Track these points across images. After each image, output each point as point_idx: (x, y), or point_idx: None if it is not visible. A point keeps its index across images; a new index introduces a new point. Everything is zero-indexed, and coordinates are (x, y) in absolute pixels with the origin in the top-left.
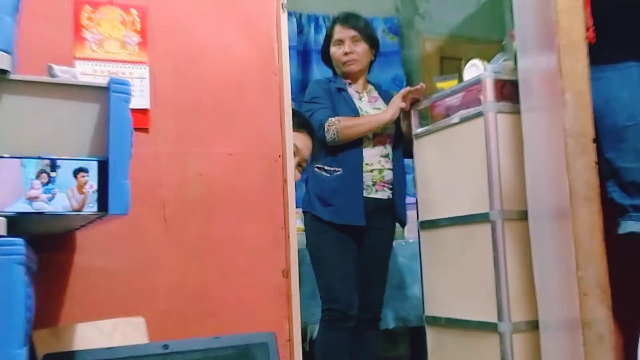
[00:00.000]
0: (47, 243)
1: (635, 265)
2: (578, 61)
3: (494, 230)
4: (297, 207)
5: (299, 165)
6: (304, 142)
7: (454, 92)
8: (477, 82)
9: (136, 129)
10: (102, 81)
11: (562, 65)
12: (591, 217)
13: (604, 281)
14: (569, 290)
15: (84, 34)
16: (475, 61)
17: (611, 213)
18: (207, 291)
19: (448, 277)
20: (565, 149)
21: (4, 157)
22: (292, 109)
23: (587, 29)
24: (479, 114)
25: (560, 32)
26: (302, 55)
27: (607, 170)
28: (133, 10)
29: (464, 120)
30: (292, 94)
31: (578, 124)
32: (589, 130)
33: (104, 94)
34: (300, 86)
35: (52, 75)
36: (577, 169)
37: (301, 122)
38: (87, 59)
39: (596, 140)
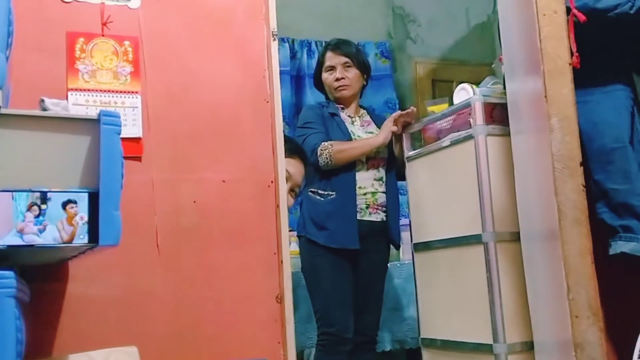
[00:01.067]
0: (39, 273)
1: (627, 286)
2: (564, 87)
3: (486, 251)
4: (292, 230)
5: (291, 190)
6: (296, 167)
7: (444, 116)
8: (467, 105)
9: (129, 158)
10: (93, 113)
11: (547, 90)
12: (581, 240)
13: (595, 303)
14: (561, 312)
15: (77, 65)
16: (465, 85)
17: (601, 234)
18: (201, 318)
19: (443, 299)
20: (553, 173)
21: None
22: (285, 135)
23: (572, 55)
24: (470, 137)
25: (545, 58)
26: (295, 80)
27: (596, 192)
28: (126, 42)
29: (454, 143)
30: (285, 118)
31: (565, 149)
32: (576, 155)
33: (95, 126)
34: (294, 110)
35: (44, 109)
36: (565, 193)
37: (293, 148)
38: (80, 90)
39: (585, 162)
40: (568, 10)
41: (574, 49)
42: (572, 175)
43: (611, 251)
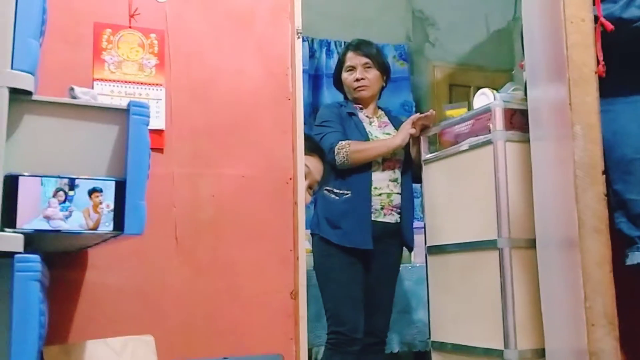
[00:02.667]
0: (59, 260)
1: None
2: (588, 95)
3: (501, 257)
4: (305, 229)
5: (309, 187)
6: (315, 165)
7: (463, 120)
8: (487, 110)
9: (151, 149)
10: (121, 103)
11: (572, 98)
12: (599, 249)
13: (611, 312)
14: (576, 320)
15: (103, 56)
16: (485, 90)
17: (619, 244)
18: (216, 312)
19: (455, 303)
20: (575, 181)
21: (24, 176)
22: (304, 134)
23: (598, 63)
24: (488, 142)
25: (571, 66)
26: (313, 79)
27: (615, 202)
28: (152, 34)
29: (473, 147)
30: (303, 117)
31: (587, 156)
32: (599, 163)
33: (124, 116)
34: (311, 109)
35: (73, 97)
36: (586, 201)
37: (313, 146)
38: (105, 80)
39: (605, 171)
40: (595, 18)
41: (600, 58)
42: (593, 183)
43: (628, 261)
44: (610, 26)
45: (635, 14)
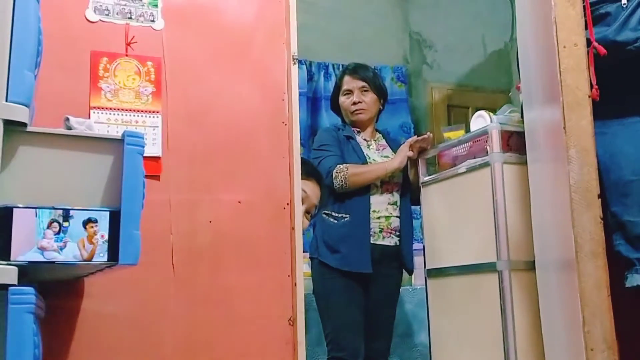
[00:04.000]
0: (56, 289)
1: None
2: (582, 118)
3: (501, 280)
4: (304, 252)
5: (307, 212)
6: (312, 189)
7: (460, 142)
8: (484, 132)
9: (148, 176)
10: (118, 131)
11: (566, 122)
12: (597, 273)
13: (610, 336)
14: (576, 344)
15: (100, 84)
16: (482, 112)
17: (617, 266)
18: (214, 339)
19: (455, 326)
20: (571, 204)
21: (18, 207)
22: (302, 158)
23: (592, 87)
24: (486, 164)
25: (565, 90)
26: (311, 102)
27: (613, 224)
28: (149, 62)
29: (470, 169)
30: (301, 140)
31: (583, 180)
32: (594, 186)
33: (118, 146)
34: (310, 132)
35: (68, 127)
36: (582, 224)
37: (310, 170)
38: (102, 108)
39: (602, 193)
40: (588, 42)
41: (594, 82)
42: (589, 207)
43: (627, 284)
44: (603, 50)
45: (629, 36)
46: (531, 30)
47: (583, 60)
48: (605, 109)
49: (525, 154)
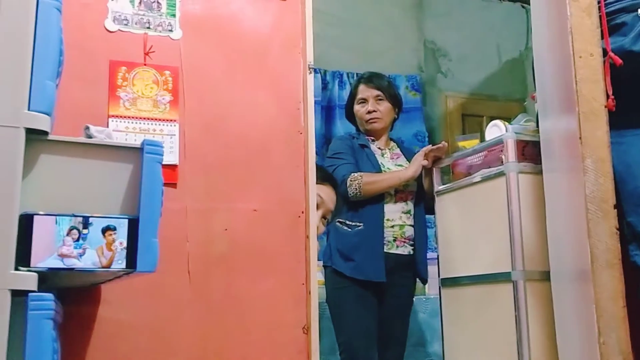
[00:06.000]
0: (73, 296)
1: None
2: (598, 129)
3: (516, 290)
4: (318, 260)
5: (323, 217)
6: (328, 194)
7: (475, 151)
8: (499, 142)
9: (165, 184)
10: (135, 139)
11: (582, 132)
12: (613, 284)
13: (626, 348)
14: (591, 356)
15: (118, 92)
16: (497, 122)
17: (633, 277)
18: (228, 347)
19: (469, 336)
20: (586, 215)
21: (39, 215)
22: (317, 165)
23: (607, 97)
24: (501, 174)
25: (581, 100)
26: (326, 111)
27: (629, 234)
28: (166, 71)
29: (485, 179)
30: (315, 148)
31: (599, 190)
32: (610, 197)
33: (137, 155)
34: (324, 140)
35: (88, 136)
36: (598, 235)
37: (325, 176)
38: (121, 117)
39: (618, 204)
40: (604, 52)
41: (610, 92)
42: (605, 218)
43: None
44: (619, 61)
45: None
46: (547, 40)
47: (599, 70)
48: (621, 119)
49: (541, 164)
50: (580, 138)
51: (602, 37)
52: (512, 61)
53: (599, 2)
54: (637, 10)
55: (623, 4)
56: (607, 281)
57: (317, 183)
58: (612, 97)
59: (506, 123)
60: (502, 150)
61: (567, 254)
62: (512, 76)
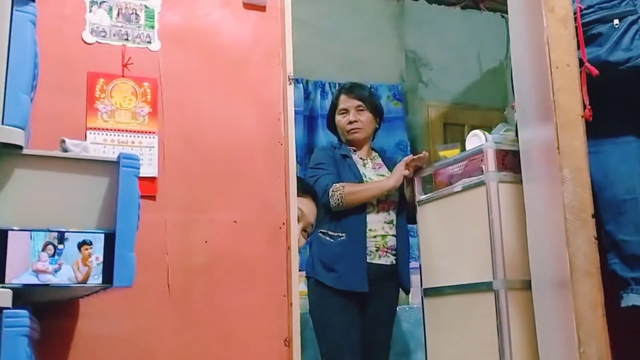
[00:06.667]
0: (50, 310)
1: (638, 339)
2: (575, 139)
3: (497, 299)
4: (301, 271)
5: (304, 230)
6: (308, 207)
7: (456, 161)
8: (479, 151)
9: (144, 197)
10: (114, 151)
11: (560, 142)
12: (592, 293)
13: (605, 356)
14: None
15: (96, 104)
16: (477, 131)
17: (612, 286)
18: (210, 359)
19: (452, 345)
20: (565, 224)
21: (13, 230)
22: (297, 176)
23: (584, 107)
24: (481, 183)
25: (558, 110)
26: (308, 120)
27: (607, 243)
28: (145, 83)
29: (466, 188)
30: (297, 158)
31: (577, 200)
32: (588, 206)
33: (114, 168)
34: (306, 150)
35: (64, 149)
36: (576, 244)
37: (306, 188)
38: (99, 129)
39: (596, 212)
40: (581, 62)
41: (587, 102)
42: (583, 227)
43: (623, 303)
44: (595, 71)
45: (622, 56)
46: (524, 51)
47: (576, 80)
48: (598, 128)
49: (521, 173)
50: (557, 148)
51: (579, 48)
52: (493, 70)
53: (575, 13)
54: (612, 21)
55: (599, 15)
56: (586, 290)
57: (297, 195)
58: (589, 107)
59: (486, 133)
60: (482, 160)
61: (547, 263)
62: (493, 85)
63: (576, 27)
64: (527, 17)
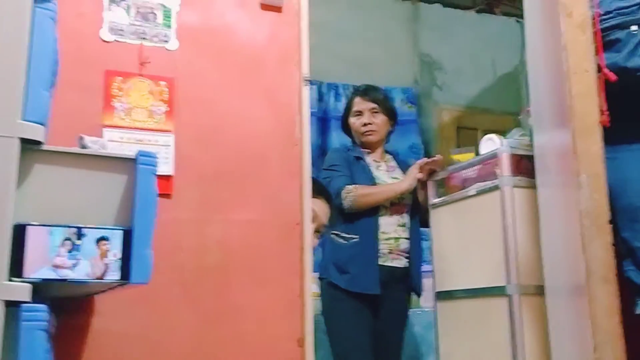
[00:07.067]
0: (67, 307)
1: None
2: (593, 144)
3: (510, 304)
4: (313, 272)
5: (316, 231)
6: (321, 208)
7: (470, 165)
8: (494, 156)
9: (159, 195)
10: (130, 149)
11: (576, 147)
12: (608, 299)
13: None
14: None
15: (113, 102)
16: (492, 135)
17: (628, 292)
18: (222, 358)
19: (464, 350)
20: (581, 230)
21: (32, 225)
22: (311, 178)
23: (602, 113)
24: (496, 187)
25: (575, 116)
26: (321, 122)
27: (623, 250)
28: (162, 82)
29: (480, 192)
30: (311, 160)
31: (593, 206)
32: (605, 212)
33: (132, 165)
34: (319, 152)
35: (83, 146)
36: (593, 250)
37: (319, 189)
38: (115, 127)
39: (612, 219)
40: (598, 68)
41: (604, 108)
42: (600, 233)
43: (638, 310)
44: (613, 77)
45: (639, 62)
46: (541, 56)
47: (593, 86)
48: (615, 134)
49: (535, 178)
50: (575, 153)
51: (596, 53)
52: (507, 75)
53: (593, 19)
54: (629, 27)
55: (617, 21)
56: (602, 296)
57: (311, 197)
58: (607, 112)
59: (501, 137)
60: (496, 164)
61: (562, 269)
62: (507, 90)
63: (594, 33)
64: (544, 22)
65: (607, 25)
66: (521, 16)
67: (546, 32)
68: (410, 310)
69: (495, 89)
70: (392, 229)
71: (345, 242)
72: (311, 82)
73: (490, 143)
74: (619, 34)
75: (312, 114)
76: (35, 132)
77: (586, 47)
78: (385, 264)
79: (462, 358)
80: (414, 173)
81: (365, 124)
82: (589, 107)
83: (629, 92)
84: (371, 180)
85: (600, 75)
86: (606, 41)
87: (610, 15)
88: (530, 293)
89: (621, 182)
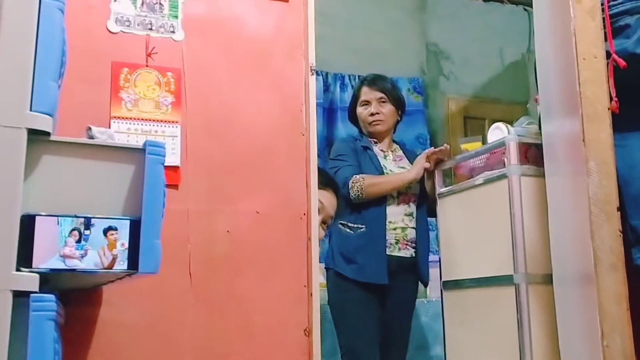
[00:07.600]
0: (74, 297)
1: None
2: (602, 131)
3: (518, 293)
4: (320, 262)
5: (323, 222)
6: (328, 199)
7: (478, 154)
8: (502, 144)
9: (167, 186)
10: (137, 140)
11: (585, 134)
12: (616, 286)
13: (629, 351)
14: (594, 358)
15: (120, 94)
16: (499, 124)
17: (636, 280)
18: (230, 349)
19: (472, 339)
20: (590, 217)
21: (41, 215)
22: (318, 168)
23: (611, 99)
24: (503, 176)
25: (584, 102)
26: (327, 113)
27: (632, 238)
28: (169, 73)
29: (488, 181)
30: (317, 150)
31: (602, 193)
32: (614, 199)
33: (140, 156)
34: (326, 142)
35: (90, 136)
36: (601, 238)
37: (326, 180)
38: (122, 118)
39: (621, 206)
40: (608, 54)
41: (614, 94)
42: (608, 220)
43: None
44: (622, 63)
45: None
46: (550, 42)
47: (603, 72)
48: (624, 121)
49: (543, 166)
50: (583, 140)
51: (606, 40)
52: (515, 64)
53: (602, 5)
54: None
55: (626, 6)
56: (610, 284)
57: (318, 188)
58: (616, 99)
59: (508, 125)
60: (504, 153)
61: (570, 257)
62: (515, 79)
63: (604, 19)
64: (553, 8)
65: (616, 11)
66: (528, 4)
67: (555, 19)
68: (417, 300)
69: (503, 78)
70: (399, 218)
71: (353, 232)
72: (317, 73)
73: (497, 132)
74: (629, 20)
75: (319, 104)
76: (43, 122)
77: (596, 33)
78: (393, 253)
79: (469, 347)
80: (421, 162)
81: (372, 114)
82: (598, 93)
83: (638, 78)
84: (378, 170)
85: (610, 61)
86: (616, 27)
87: (620, 1)
88: (537, 282)
89: (630, 169)
